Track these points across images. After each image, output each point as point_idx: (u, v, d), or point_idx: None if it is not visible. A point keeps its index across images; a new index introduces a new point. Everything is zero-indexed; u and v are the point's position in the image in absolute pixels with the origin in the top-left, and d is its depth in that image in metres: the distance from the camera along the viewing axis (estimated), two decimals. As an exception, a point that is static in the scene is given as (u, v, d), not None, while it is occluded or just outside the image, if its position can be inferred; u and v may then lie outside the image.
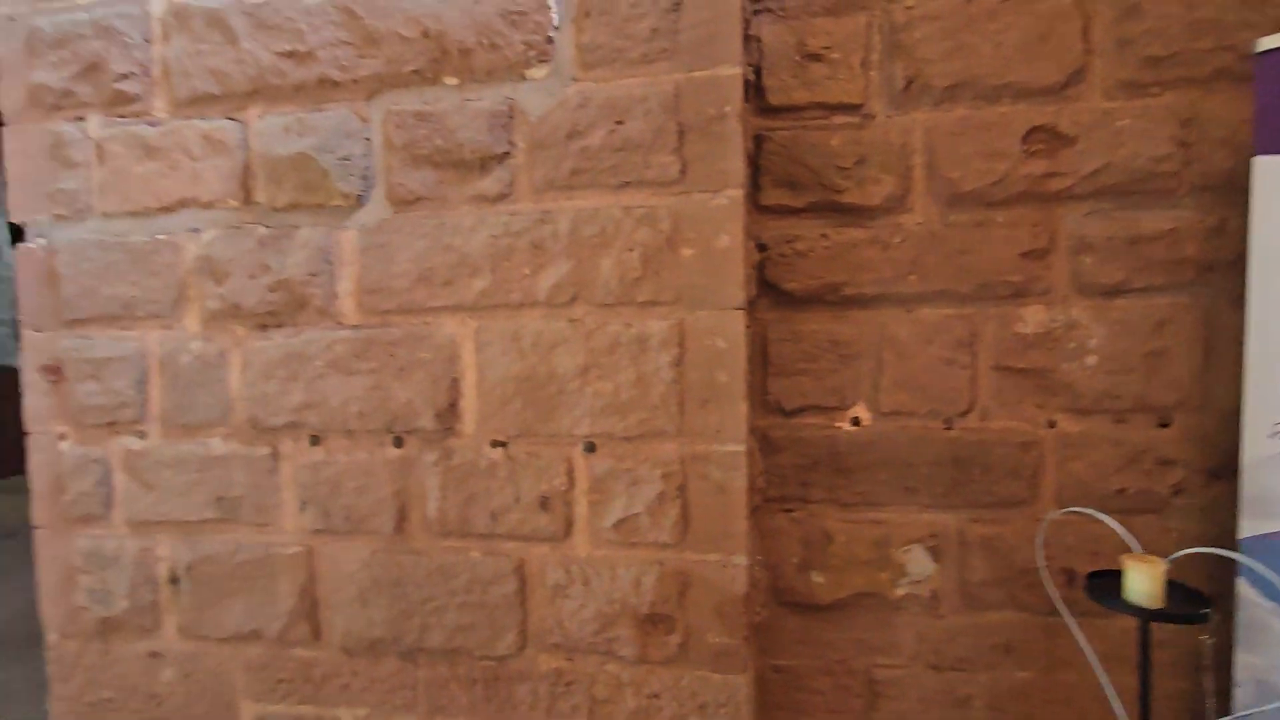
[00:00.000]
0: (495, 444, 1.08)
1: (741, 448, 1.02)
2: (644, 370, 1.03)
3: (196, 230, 1.15)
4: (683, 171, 1.00)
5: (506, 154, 1.05)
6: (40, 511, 1.25)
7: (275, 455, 1.15)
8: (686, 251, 1.01)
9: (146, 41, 1.14)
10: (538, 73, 1.03)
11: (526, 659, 1.10)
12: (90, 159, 1.17)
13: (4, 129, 1.19)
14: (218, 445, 1.17)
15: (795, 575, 1.27)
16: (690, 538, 1.04)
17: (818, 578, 1.25)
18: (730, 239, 1.00)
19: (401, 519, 1.12)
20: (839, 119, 1.19)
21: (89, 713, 1.24)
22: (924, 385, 1.19)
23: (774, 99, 1.20)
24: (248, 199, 1.13)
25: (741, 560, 1.03)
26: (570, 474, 1.07)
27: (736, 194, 0.99)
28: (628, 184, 1.02)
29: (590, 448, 1.06)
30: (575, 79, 1.02)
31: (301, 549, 1.15)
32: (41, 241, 1.20)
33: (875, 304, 1.21)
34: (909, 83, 1.16)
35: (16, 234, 1.21)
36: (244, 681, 1.18)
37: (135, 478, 1.20)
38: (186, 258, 1.15)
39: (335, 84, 1.09)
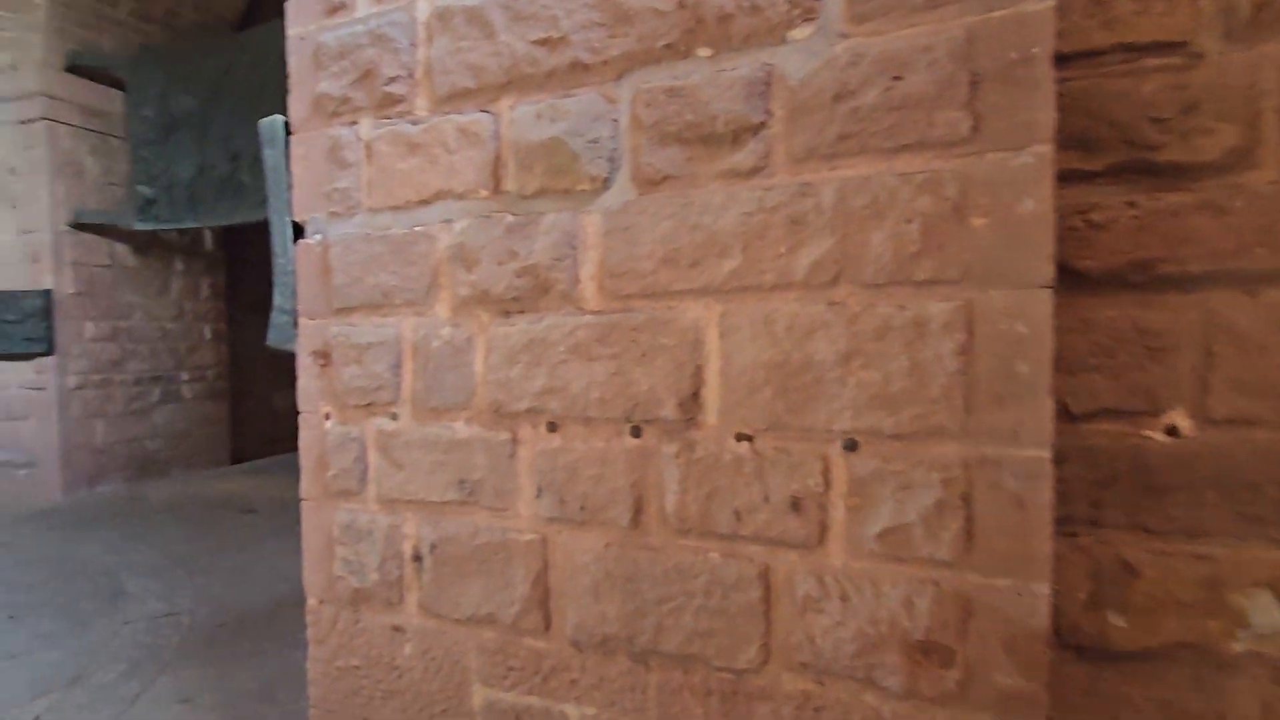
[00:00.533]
0: (741, 437, 1.00)
1: (1046, 453, 0.85)
2: (920, 358, 0.90)
3: (449, 221, 1.19)
4: (974, 128, 0.87)
5: (762, 124, 0.97)
6: (307, 485, 1.36)
7: (514, 440, 1.16)
8: (977, 221, 0.87)
9: (412, 45, 1.21)
10: (800, 33, 0.95)
11: (769, 676, 1.00)
12: (360, 159, 1.26)
13: (292, 137, 1.33)
14: (461, 429, 1.20)
15: (1081, 613, 1.06)
16: (975, 556, 0.88)
17: (1116, 619, 1.03)
18: (1037, 204, 0.84)
19: (638, 512, 1.07)
20: (1152, 61, 0.99)
21: (339, 676, 1.32)
22: (1278, 386, 0.94)
23: (1063, 45, 1.02)
24: (497, 188, 1.16)
25: (1042, 589, 0.86)
26: (826, 474, 0.96)
27: (1045, 150, 0.84)
28: (905, 147, 0.90)
29: (851, 445, 0.94)
30: (844, 35, 0.93)
31: (536, 536, 1.15)
32: (318, 237, 1.31)
33: (1203, 284, 0.98)
34: (1259, 8, 0.93)
35: (298, 232, 1.34)
36: (477, 664, 1.20)
37: (386, 457, 1.27)
38: (440, 247, 1.20)
39: (585, 67, 1.08)
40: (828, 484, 0.96)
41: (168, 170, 5.10)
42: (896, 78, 0.90)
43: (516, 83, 1.13)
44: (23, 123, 5.13)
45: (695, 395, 1.03)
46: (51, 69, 5.10)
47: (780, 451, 0.98)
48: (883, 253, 0.91)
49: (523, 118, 1.13)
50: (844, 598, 0.95)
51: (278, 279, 1.36)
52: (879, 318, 0.92)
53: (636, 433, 1.07)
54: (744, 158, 0.99)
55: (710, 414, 1.02)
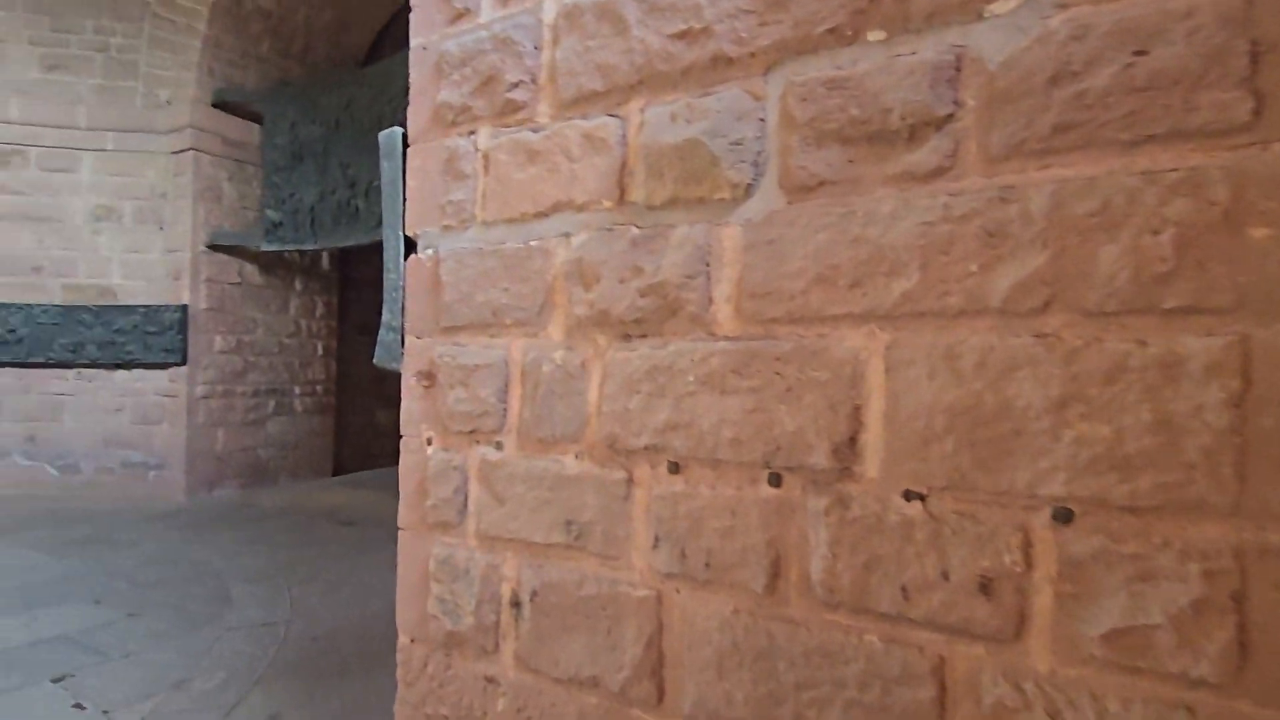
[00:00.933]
0: (910, 496, 0.82)
1: (1367, 546, 0.62)
2: (1170, 409, 0.69)
3: (567, 234, 1.09)
4: (1255, 112, 0.66)
5: (949, 117, 0.81)
6: (405, 512, 1.28)
7: (630, 480, 1.02)
8: (1257, 232, 0.66)
9: (536, 49, 1.13)
10: (1002, 6, 0.78)
11: (944, 800, 0.79)
12: (477, 170, 1.19)
13: (409, 149, 1.27)
14: (571, 464, 1.08)
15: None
16: (1250, 679, 0.66)
17: None
18: (1355, 208, 0.63)
19: (775, 576, 0.90)
20: None
21: (427, 725, 1.22)
22: None
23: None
24: (622, 198, 1.04)
25: (1359, 735, 0.62)
26: (1028, 549, 0.76)
27: (1367, 137, 0.62)
28: (1151, 138, 0.70)
29: (1064, 516, 0.74)
30: (1062, 5, 0.75)
31: (651, 592, 1.00)
32: (429, 252, 1.25)
33: None
34: None
35: (411, 247, 1.28)
36: (577, 733, 1.05)
37: (489, 489, 1.16)
38: (556, 263, 1.10)
39: (729, 61, 0.95)
40: (1029, 563, 0.75)
41: (293, 196, 5.45)
42: (1139, 53, 0.71)
43: (649, 82, 1.02)
44: (174, 153, 5.64)
45: (852, 441, 0.86)
46: (200, 104, 5.59)
47: (964, 517, 0.79)
48: (1115, 273, 0.72)
49: (655, 120, 1.01)
50: (1052, 713, 0.74)
51: (387, 295, 1.30)
52: (1108, 355, 0.72)
53: (775, 481, 0.91)
54: (923, 157, 0.82)
55: (870, 464, 0.85)
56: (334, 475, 6.74)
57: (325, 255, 6.57)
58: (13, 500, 5.23)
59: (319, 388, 6.58)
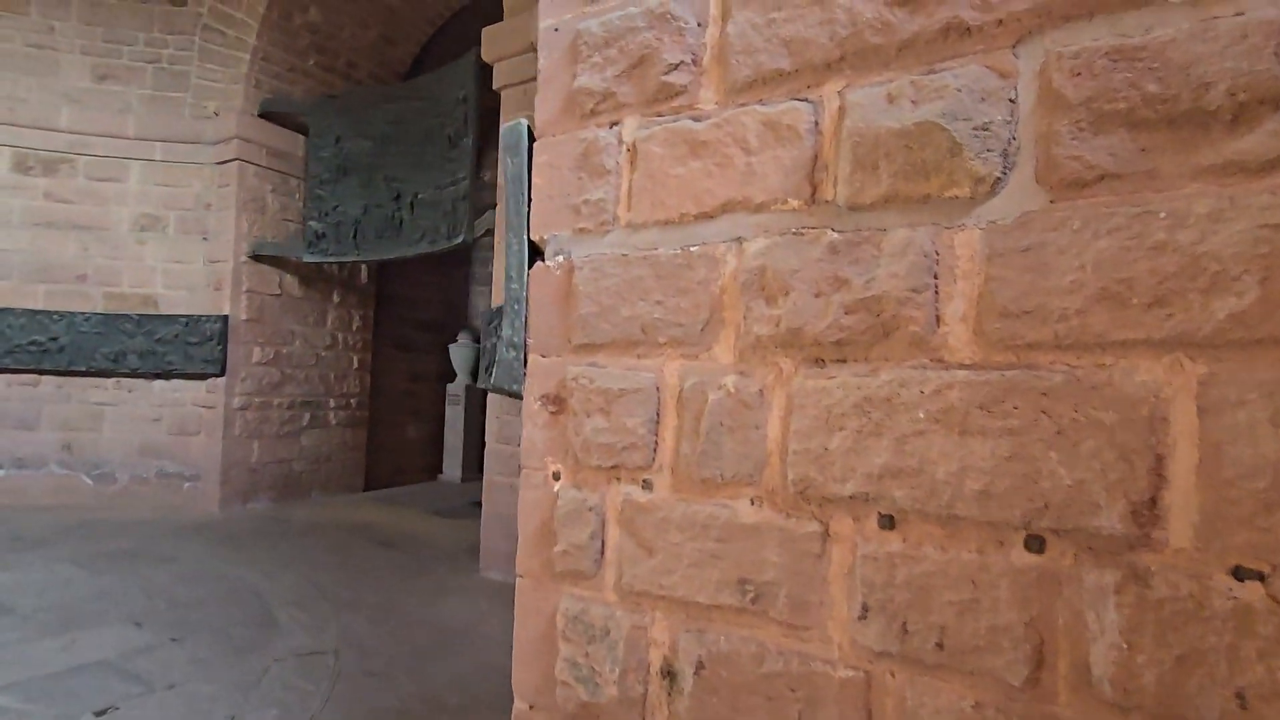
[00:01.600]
0: (1244, 574, 0.64)
1: None
2: None
3: (740, 239, 0.93)
4: None
5: (1300, 91, 0.63)
6: (525, 558, 1.12)
7: (827, 535, 0.85)
8: None
9: (700, 25, 0.98)
10: (1383, -51, 0.61)
11: None
12: (621, 165, 1.04)
13: (536, 143, 1.13)
14: (745, 511, 0.90)
15: None
16: None
17: None
18: None
19: (1038, 666, 0.72)
20: None
21: (547, 810, 1.04)
22: None
23: None
24: (814, 196, 0.88)
25: None
26: None
27: None
28: None
29: None
30: None
31: (857, 674, 0.82)
32: (559, 258, 1.09)
33: None
34: None
35: (535, 253, 1.13)
36: (750, 839, 0.87)
37: (634, 536, 0.99)
38: (725, 272, 0.94)
39: (965, 31, 0.79)
40: None
41: (337, 208, 5.38)
42: None
43: (854, 58, 0.86)
44: (219, 163, 5.62)
45: (1152, 501, 0.68)
46: (247, 115, 5.57)
47: (1332, 606, 0.60)
48: None
49: (864, 102, 0.85)
50: None
51: (508, 308, 1.15)
52: None
53: (1036, 546, 0.73)
54: (1259, 143, 0.65)
55: (1178, 531, 0.67)
56: (365, 490, 6.62)
57: (364, 268, 6.51)
58: (48, 510, 5.15)
59: (353, 401, 6.49)
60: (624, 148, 1.04)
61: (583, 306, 1.06)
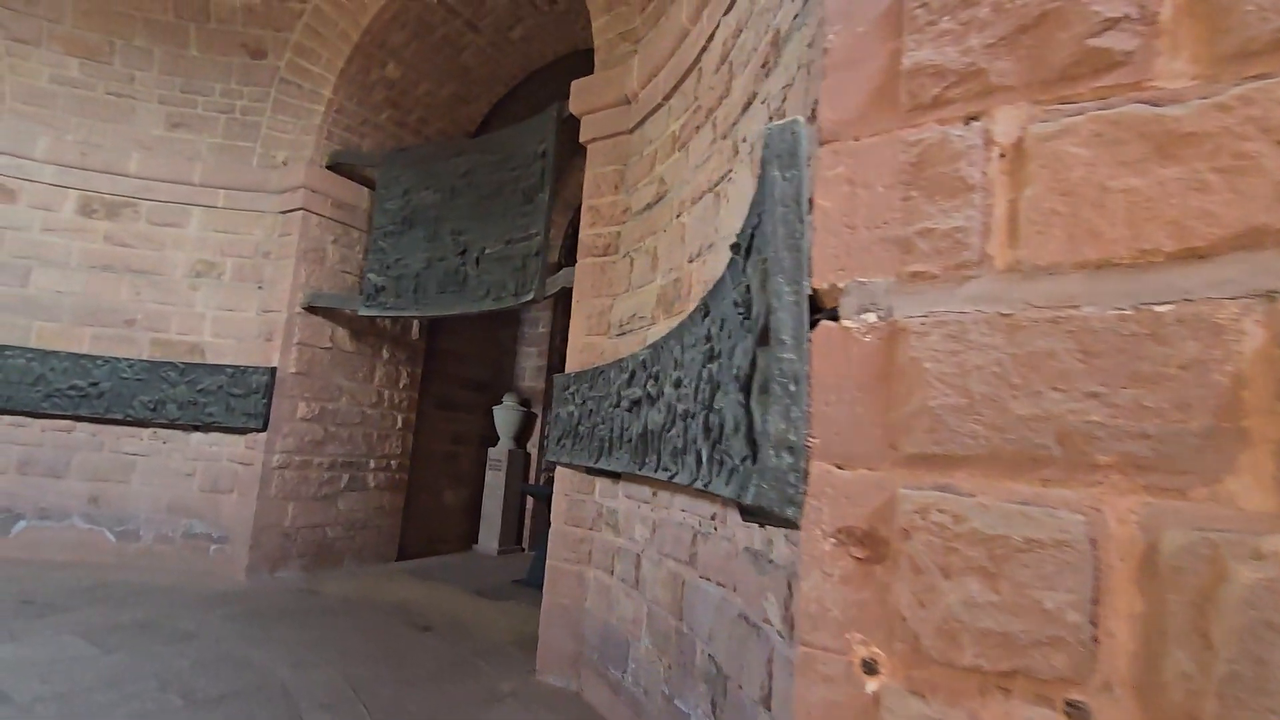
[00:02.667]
0: None
1: None
2: None
3: (1274, 294, 0.54)
4: None
5: None
6: (811, 802, 0.68)
7: None
8: None
9: (1156, -37, 0.62)
10: None
11: None
12: (991, 178, 0.67)
13: (823, 149, 0.77)
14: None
15: None
16: None
17: None
18: None
19: None
20: None
21: None
22: None
23: None
24: None
25: None
26: None
27: None
28: None
29: None
30: None
31: None
32: (870, 317, 0.71)
33: None
34: None
35: (816, 307, 0.75)
36: None
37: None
38: (1246, 349, 0.54)
39: None
40: None
41: (399, 260, 5.17)
42: None
43: None
44: (283, 212, 5.49)
45: None
46: (315, 165, 5.48)
47: None
48: None
49: None
50: None
51: (775, 384, 0.76)
52: None
53: None
54: None
55: None
56: (398, 559, 6.15)
57: (415, 324, 6.27)
58: (65, 568, 4.78)
59: (393, 463, 6.12)
60: (995, 152, 0.67)
61: (927, 394, 0.66)
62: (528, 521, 7.31)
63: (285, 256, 5.40)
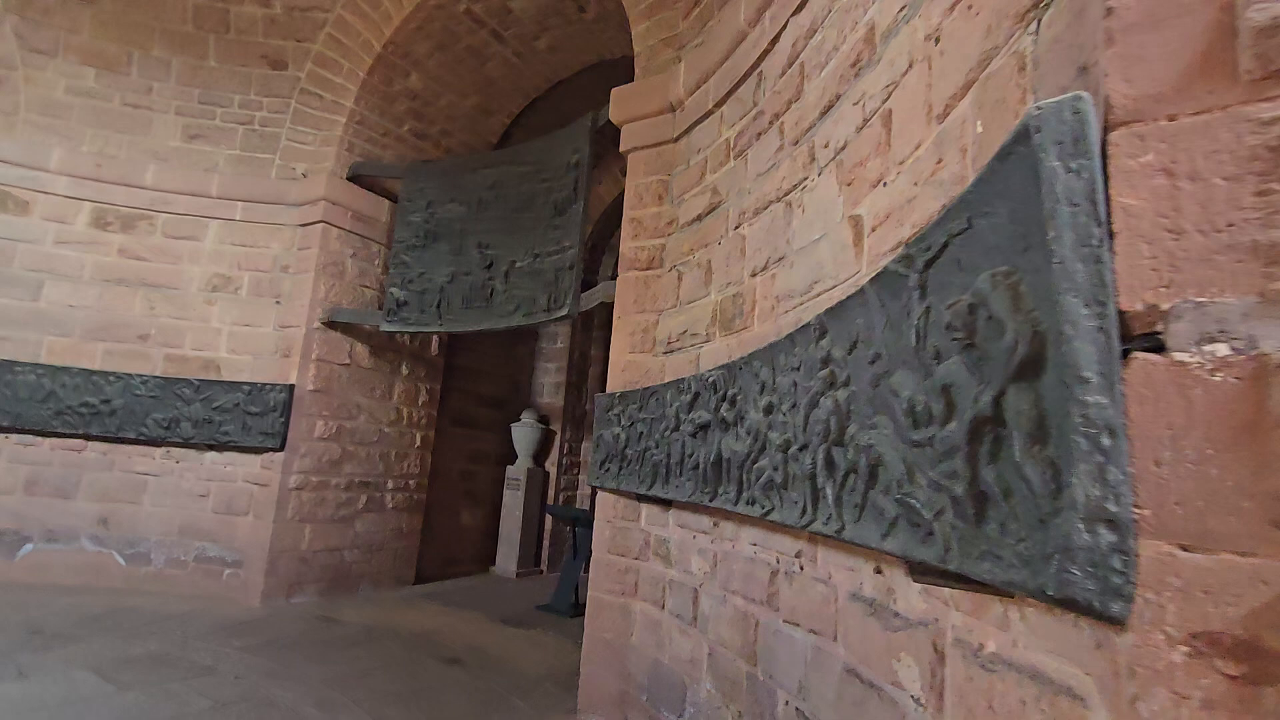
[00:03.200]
0: None
1: None
2: None
3: None
4: None
5: None
6: None
7: None
8: None
9: None
10: None
11: None
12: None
13: (1118, 134, 0.60)
14: None
15: None
16: None
17: None
18: None
19: None
20: None
21: None
22: None
23: None
24: None
25: None
26: None
27: None
28: None
29: None
30: None
31: None
32: (1217, 350, 0.54)
33: None
34: None
35: (1126, 334, 0.58)
36: None
37: None
38: None
39: None
40: None
41: (423, 275, 5.02)
42: None
43: None
44: (302, 225, 5.35)
45: None
46: (336, 178, 5.34)
47: None
48: None
49: None
50: None
51: (1078, 435, 0.59)
52: None
53: None
54: None
55: None
56: (415, 583, 5.94)
57: (435, 340, 6.11)
58: (73, 593, 4.58)
59: (411, 483, 5.93)
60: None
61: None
62: (546, 542, 7.10)
63: (304, 270, 5.25)
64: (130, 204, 5.24)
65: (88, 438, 4.96)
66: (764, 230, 2.50)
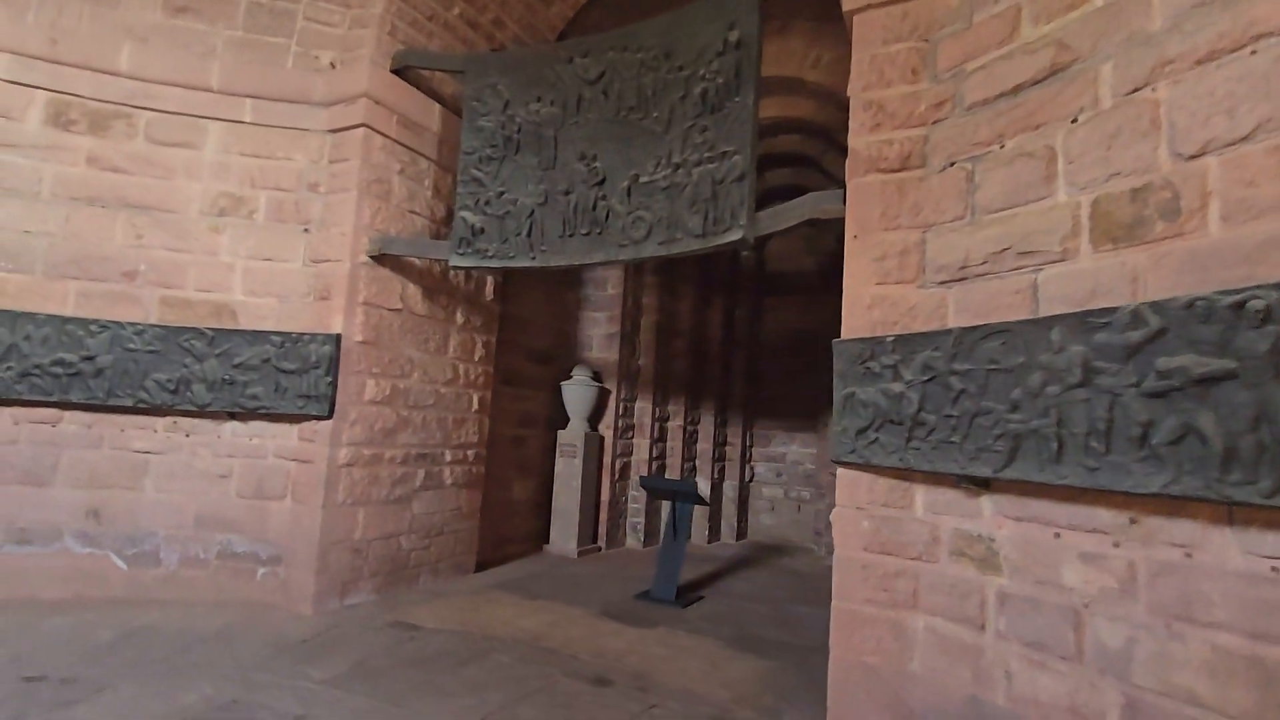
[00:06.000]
0: None
1: None
2: None
3: None
4: None
5: None
6: None
7: None
8: None
9: None
10: None
11: None
12: None
13: None
14: None
15: None
16: None
17: None
18: None
19: None
20: None
21: None
22: None
23: None
24: None
25: None
26: None
27: None
28: None
29: None
30: None
31: None
32: None
33: None
34: None
35: None
36: None
37: None
38: None
39: None
40: None
41: (503, 195, 3.96)
42: None
43: None
44: (335, 130, 4.18)
45: None
46: (379, 68, 4.17)
47: None
48: None
49: None
50: None
51: None
52: None
53: None
54: None
55: None
56: (476, 570, 5.03)
57: (489, 282, 5.06)
58: (61, 609, 3.49)
59: (470, 453, 4.96)
60: None
61: None
62: (604, 516, 6.27)
63: (341, 189, 4.11)
64: (100, 96, 3.95)
65: (64, 406, 3.79)
66: (1226, 82, 1.65)
